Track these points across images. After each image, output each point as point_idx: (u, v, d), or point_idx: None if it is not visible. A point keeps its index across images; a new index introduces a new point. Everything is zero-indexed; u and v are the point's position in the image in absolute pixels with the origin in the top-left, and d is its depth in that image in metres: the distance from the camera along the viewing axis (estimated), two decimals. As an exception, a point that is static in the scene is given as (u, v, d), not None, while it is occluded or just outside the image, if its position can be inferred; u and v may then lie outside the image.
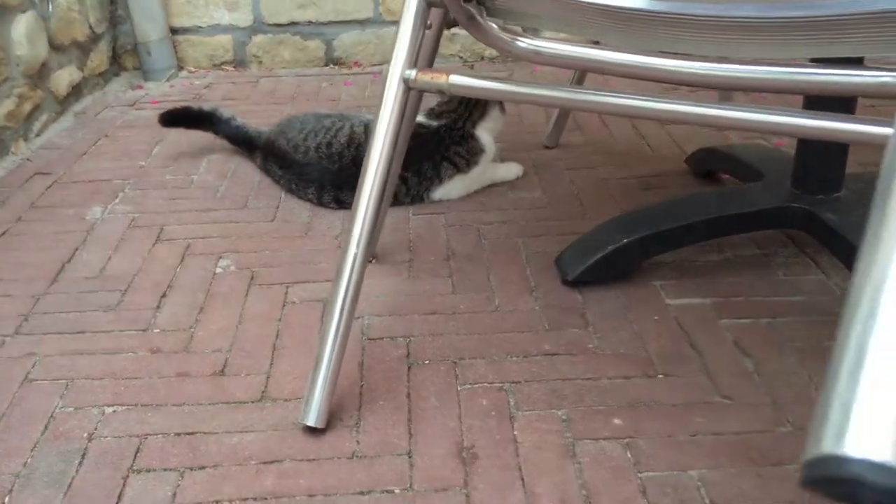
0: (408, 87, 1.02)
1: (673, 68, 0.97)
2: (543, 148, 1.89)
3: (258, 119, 2.11)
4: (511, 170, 1.72)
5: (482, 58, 2.63)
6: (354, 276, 1.00)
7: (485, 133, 1.64)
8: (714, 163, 1.63)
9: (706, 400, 1.04)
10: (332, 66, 2.64)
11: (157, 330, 1.22)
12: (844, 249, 1.20)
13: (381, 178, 1.01)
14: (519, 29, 1.06)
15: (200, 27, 2.57)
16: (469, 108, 1.62)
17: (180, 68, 2.60)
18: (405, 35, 1.03)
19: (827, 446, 0.24)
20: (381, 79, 2.39)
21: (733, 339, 1.15)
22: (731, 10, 0.83)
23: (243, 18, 2.57)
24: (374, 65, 2.63)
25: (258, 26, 2.58)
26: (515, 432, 1.00)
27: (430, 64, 1.19)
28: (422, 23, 1.03)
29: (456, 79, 0.99)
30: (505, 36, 1.04)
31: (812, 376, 1.07)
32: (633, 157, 1.82)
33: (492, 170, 1.68)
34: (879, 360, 0.26)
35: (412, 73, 1.01)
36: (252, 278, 1.36)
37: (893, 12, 0.78)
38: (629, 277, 1.31)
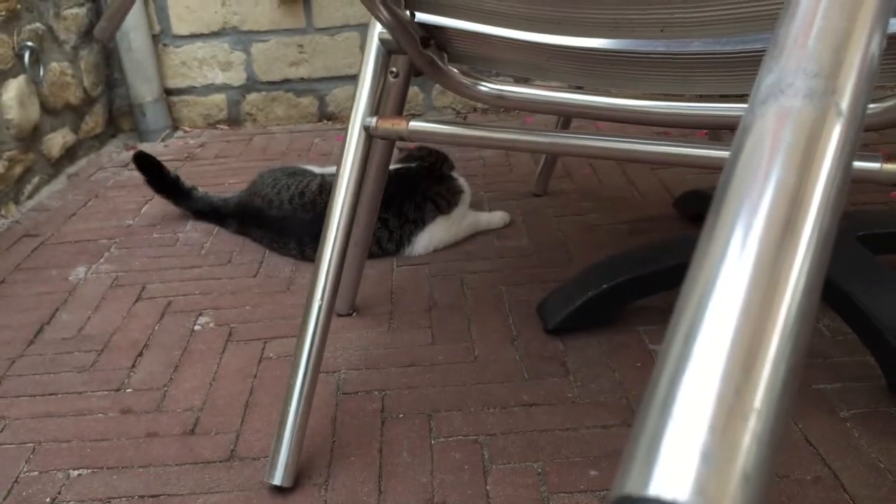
0: (369, 134, 1.01)
1: (638, 107, 0.95)
2: (532, 196, 1.87)
3: (248, 176, 2.12)
4: (496, 217, 1.70)
5: (475, 109, 2.64)
6: (319, 330, 0.98)
7: (460, 175, 1.66)
8: (701, 206, 1.61)
9: (687, 448, 1.00)
10: (325, 121, 2.65)
11: (130, 389, 1.20)
12: (829, 290, 1.16)
13: (345, 227, 1.00)
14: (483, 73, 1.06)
15: (195, 87, 2.60)
16: (441, 156, 1.64)
17: (175, 128, 2.63)
18: (366, 82, 1.02)
19: (625, 486, 0.22)
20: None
21: (717, 383, 1.12)
22: (680, 47, 0.82)
23: (237, 77, 2.59)
24: (368, 119, 2.64)
25: (252, 84, 2.60)
26: (488, 487, 0.96)
27: (399, 111, 1.18)
28: (382, 70, 1.03)
29: (416, 125, 0.98)
30: (467, 80, 1.04)
31: (797, 422, 1.03)
32: (622, 202, 1.80)
33: (476, 218, 1.66)
34: (688, 396, 0.24)
35: (373, 121, 1.00)
36: (230, 334, 1.34)
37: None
38: (612, 323, 1.28)
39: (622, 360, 1.19)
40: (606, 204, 1.80)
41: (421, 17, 0.95)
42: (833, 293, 1.16)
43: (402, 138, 1.00)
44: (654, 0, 0.77)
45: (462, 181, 1.65)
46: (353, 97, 2.65)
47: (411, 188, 1.57)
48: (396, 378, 1.19)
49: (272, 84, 2.61)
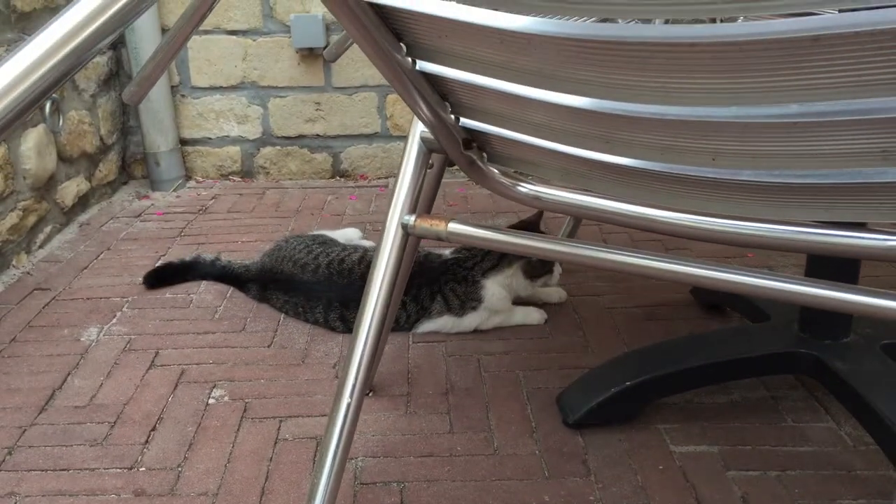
0: (406, 232, 1.01)
1: (674, 221, 0.96)
2: (547, 271, 1.87)
3: (261, 234, 2.12)
4: (531, 315, 1.63)
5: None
6: (347, 429, 0.96)
7: (496, 286, 1.58)
8: (719, 296, 1.61)
9: (713, 565, 0.99)
10: (338, 178, 2.66)
11: (144, 468, 1.18)
12: (853, 400, 1.16)
13: (378, 323, 0.99)
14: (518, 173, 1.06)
15: (210, 138, 2.61)
16: (482, 253, 1.60)
17: (188, 178, 2.63)
18: (406, 181, 1.02)
19: None
20: (387, 192, 2.40)
21: (741, 494, 1.11)
22: (729, 175, 0.82)
23: (252, 131, 2.60)
24: (381, 178, 2.65)
25: (267, 138, 2.61)
26: None
27: (431, 200, 1.19)
28: (422, 168, 1.03)
29: (455, 227, 0.98)
30: (506, 181, 1.04)
31: (824, 541, 1.02)
32: (637, 284, 1.80)
33: (507, 317, 1.62)
34: None
35: (411, 219, 1.00)
36: (245, 410, 1.33)
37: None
38: (632, 419, 1.27)
39: (644, 460, 1.18)
40: (621, 285, 1.80)
41: (466, 122, 0.96)
42: (856, 403, 1.16)
43: (440, 239, 1.00)
44: (709, 130, 0.77)
45: (492, 291, 1.57)
46: (367, 156, 2.68)
47: (432, 277, 1.57)
48: (415, 469, 1.18)
49: (287, 139, 2.62)
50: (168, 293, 1.77)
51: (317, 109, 2.58)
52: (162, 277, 1.81)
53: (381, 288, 0.99)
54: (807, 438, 1.23)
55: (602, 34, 0.68)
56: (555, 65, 0.78)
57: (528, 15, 0.71)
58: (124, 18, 0.59)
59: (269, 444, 1.24)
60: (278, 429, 1.28)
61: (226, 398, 1.36)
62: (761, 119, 0.70)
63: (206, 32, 2.49)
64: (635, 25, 0.67)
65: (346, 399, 0.97)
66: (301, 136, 2.62)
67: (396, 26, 0.83)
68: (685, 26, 0.62)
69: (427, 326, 1.58)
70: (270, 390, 1.39)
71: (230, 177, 2.65)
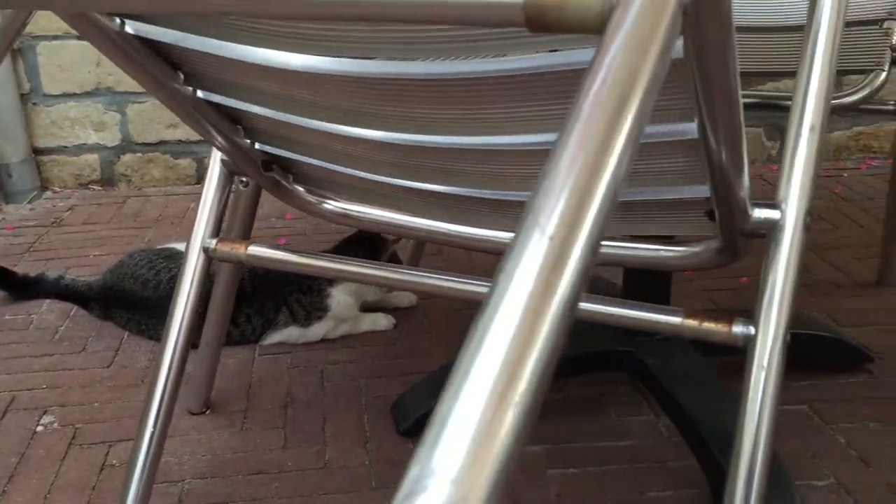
0: (208, 256, 1.00)
1: (471, 235, 0.99)
2: (403, 274, 1.89)
3: (116, 247, 2.07)
4: (378, 322, 1.64)
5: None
6: (150, 458, 0.96)
7: (343, 294, 1.57)
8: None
9: (521, 566, 1.02)
10: (203, 183, 2.61)
11: (-42, 505, 1.15)
12: (662, 395, 1.22)
13: (181, 352, 0.98)
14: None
15: (66, 147, 2.52)
16: None
17: (45, 188, 2.54)
18: (207, 204, 1.02)
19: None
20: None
21: (556, 492, 1.15)
22: (507, 196, 0.85)
23: (111, 138, 2.53)
24: (248, 182, 2.61)
25: (127, 145, 2.55)
26: None
27: (250, 220, 1.19)
28: (225, 189, 1.03)
29: (255, 250, 0.99)
30: (312, 199, 1.05)
31: (627, 535, 1.07)
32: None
33: (354, 324, 1.62)
34: None
35: (212, 243, 1.00)
36: (74, 436, 1.30)
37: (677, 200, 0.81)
38: (464, 424, 1.30)
39: (469, 465, 1.21)
40: (474, 286, 1.82)
41: (262, 146, 0.96)
42: (665, 398, 1.22)
43: (240, 262, 1.00)
44: (466, 155, 0.80)
45: (339, 300, 1.57)
46: (231, 161, 2.60)
47: (276, 288, 1.56)
48: (242, 488, 1.18)
49: (148, 145, 2.55)
50: (7, 314, 1.71)
51: (177, 114, 2.52)
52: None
53: (184, 316, 0.99)
54: (627, 432, 1.28)
55: (343, 70, 0.69)
56: (324, 97, 0.79)
57: (280, 50, 0.72)
58: None
59: (95, 472, 1.21)
60: (106, 454, 1.26)
61: (55, 425, 1.33)
62: (499, 147, 0.73)
63: (56, 38, 2.40)
64: (371, 62, 0.68)
65: (148, 429, 0.97)
66: (163, 142, 2.56)
67: (172, 56, 0.83)
68: (403, 63, 0.64)
69: (273, 338, 1.58)
70: (103, 414, 1.36)
71: (90, 186, 2.57)
